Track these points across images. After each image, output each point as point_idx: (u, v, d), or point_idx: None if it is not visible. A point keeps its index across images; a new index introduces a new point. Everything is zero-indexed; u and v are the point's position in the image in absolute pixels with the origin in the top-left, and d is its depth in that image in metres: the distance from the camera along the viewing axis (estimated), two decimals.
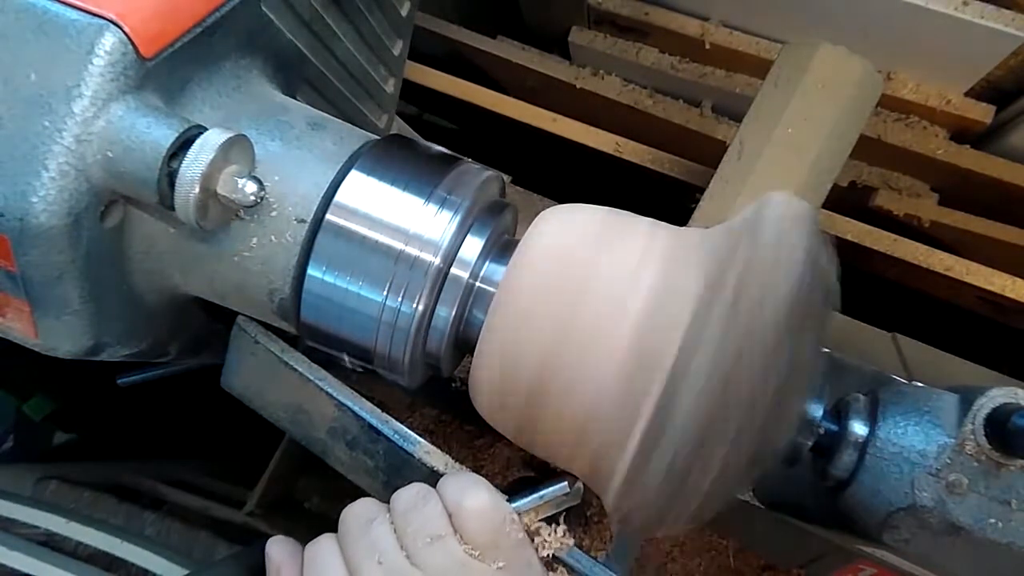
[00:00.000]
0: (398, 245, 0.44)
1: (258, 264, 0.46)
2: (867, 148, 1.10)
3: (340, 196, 0.45)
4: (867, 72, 0.76)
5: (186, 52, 0.43)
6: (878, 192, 1.15)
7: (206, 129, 0.40)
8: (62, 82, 0.38)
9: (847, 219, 1.09)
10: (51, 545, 1.02)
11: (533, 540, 0.45)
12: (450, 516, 0.44)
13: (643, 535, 0.41)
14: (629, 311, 0.40)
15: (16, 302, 0.43)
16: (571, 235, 0.44)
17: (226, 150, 0.39)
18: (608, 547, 0.52)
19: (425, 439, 0.50)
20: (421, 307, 0.44)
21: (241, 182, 0.40)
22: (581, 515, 0.52)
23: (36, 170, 0.38)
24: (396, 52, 0.73)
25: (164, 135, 0.39)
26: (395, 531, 0.44)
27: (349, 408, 0.49)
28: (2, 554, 0.95)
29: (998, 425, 0.45)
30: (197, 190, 0.39)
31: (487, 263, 0.47)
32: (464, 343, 0.48)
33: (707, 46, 1.11)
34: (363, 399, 0.50)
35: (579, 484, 0.47)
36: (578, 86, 1.20)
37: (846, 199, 1.15)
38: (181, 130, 0.39)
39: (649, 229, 0.45)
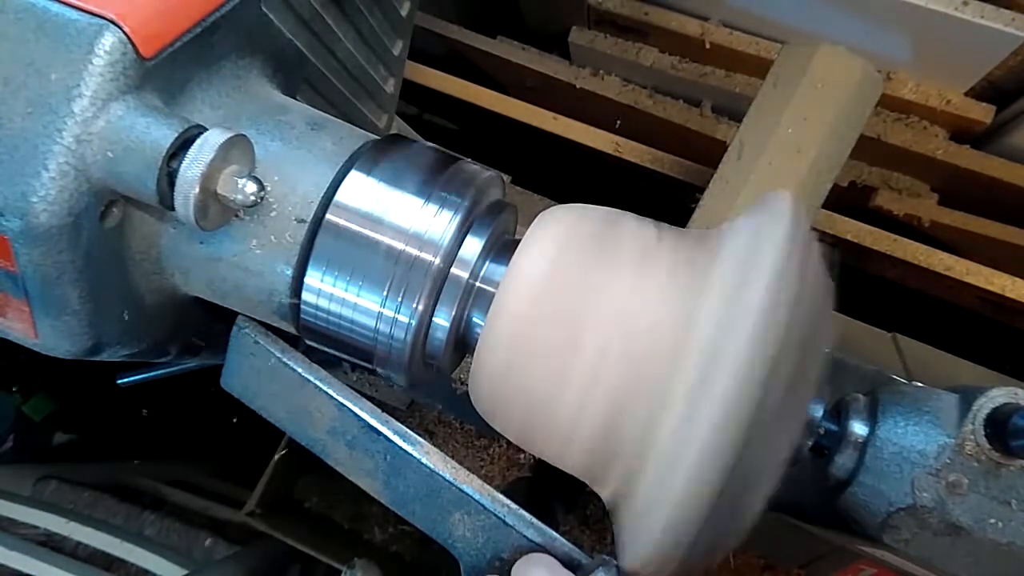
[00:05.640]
0: (398, 245, 0.44)
1: (258, 264, 0.46)
2: (867, 148, 1.10)
3: (340, 196, 0.45)
4: (867, 72, 0.76)
5: (186, 52, 0.43)
6: (878, 192, 1.15)
7: (206, 129, 0.39)
8: (62, 82, 0.38)
9: (847, 219, 1.09)
10: (51, 545, 1.02)
11: None
12: None
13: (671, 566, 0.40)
14: (626, 319, 0.40)
15: (16, 302, 0.43)
16: (571, 236, 0.44)
17: (226, 150, 0.39)
18: (609, 546, 0.52)
19: (425, 439, 0.50)
20: (421, 307, 0.44)
21: (241, 182, 0.40)
22: (581, 515, 0.52)
23: (36, 170, 0.38)
24: (396, 52, 0.73)
25: (164, 135, 0.39)
26: None
27: (349, 408, 0.49)
28: (2, 554, 0.95)
29: (998, 425, 0.45)
30: (197, 190, 0.39)
31: (487, 263, 0.47)
32: (464, 343, 0.48)
33: (707, 46, 1.11)
34: (363, 399, 0.50)
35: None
36: (578, 86, 1.20)
37: (846, 199, 1.15)
38: (181, 130, 0.39)
39: (649, 231, 0.44)
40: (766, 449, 0.37)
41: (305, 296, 0.46)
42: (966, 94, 1.07)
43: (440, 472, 0.49)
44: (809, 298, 0.38)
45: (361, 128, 0.51)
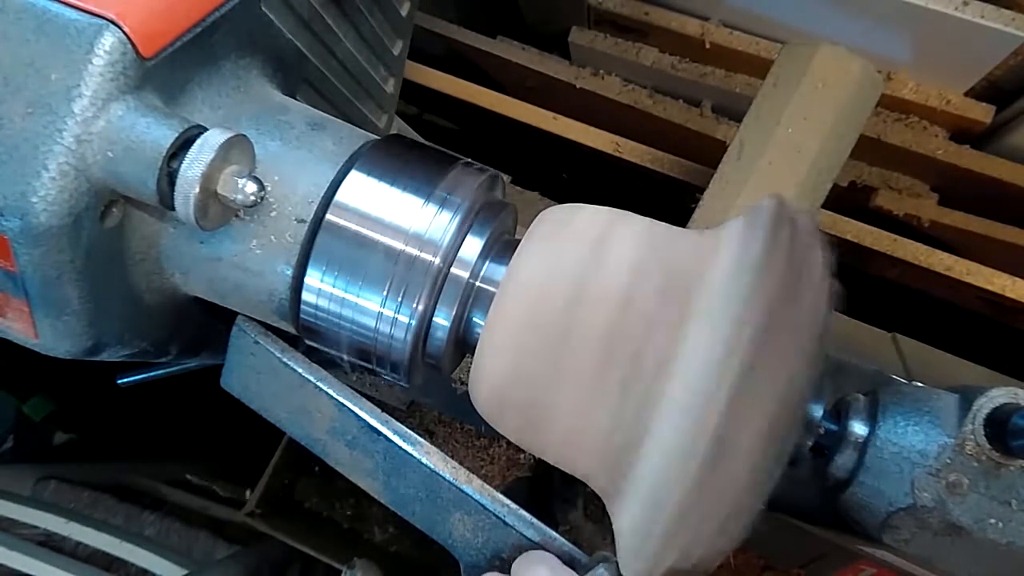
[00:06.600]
0: (398, 245, 0.44)
1: (258, 264, 0.46)
2: (867, 148, 1.10)
3: (340, 196, 0.45)
4: (867, 72, 0.76)
5: (186, 52, 0.43)
6: (878, 192, 1.15)
7: (206, 129, 0.40)
8: (62, 82, 0.38)
9: (847, 219, 1.09)
10: (50, 545, 1.02)
11: None
12: None
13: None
14: (623, 321, 0.40)
15: (16, 302, 0.43)
16: (570, 236, 0.44)
17: (226, 150, 0.39)
18: (608, 545, 0.52)
19: (425, 439, 0.50)
20: (421, 307, 0.44)
21: (241, 182, 0.40)
22: (581, 514, 0.52)
23: (36, 170, 0.38)
24: (396, 52, 0.73)
25: (164, 135, 0.39)
26: None
27: (349, 408, 0.49)
28: (2, 554, 0.95)
29: (998, 425, 0.45)
30: (197, 190, 0.39)
31: (487, 263, 0.47)
32: (464, 343, 0.48)
33: (707, 46, 1.11)
34: (363, 399, 0.50)
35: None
36: (578, 86, 1.20)
37: (846, 199, 1.15)
38: (181, 130, 0.39)
39: (648, 231, 0.44)
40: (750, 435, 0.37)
41: (305, 296, 0.46)
42: (966, 94, 1.07)
43: (440, 472, 0.49)
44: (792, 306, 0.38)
45: (361, 128, 0.52)
